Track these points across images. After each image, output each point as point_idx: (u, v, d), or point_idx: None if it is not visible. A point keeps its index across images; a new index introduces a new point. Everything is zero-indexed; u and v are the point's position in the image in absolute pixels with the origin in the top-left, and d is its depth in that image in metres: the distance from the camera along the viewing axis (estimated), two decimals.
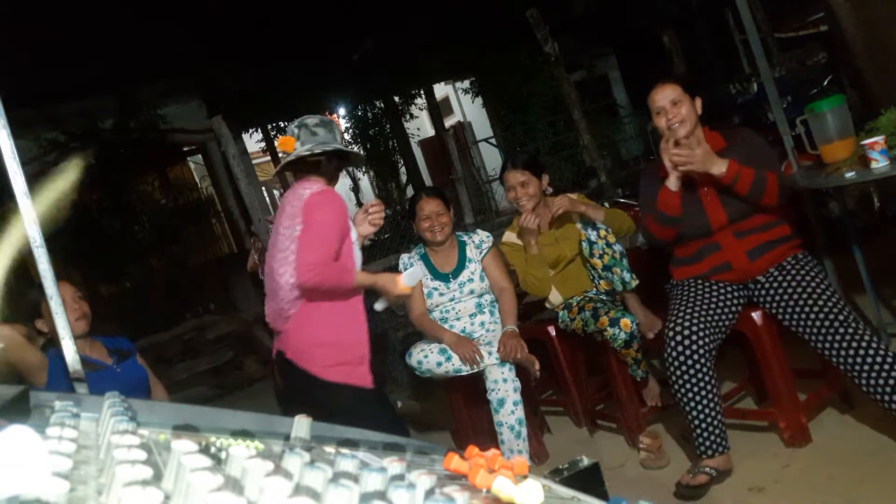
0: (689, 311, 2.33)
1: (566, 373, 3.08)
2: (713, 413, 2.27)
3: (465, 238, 3.07)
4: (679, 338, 2.27)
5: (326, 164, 2.31)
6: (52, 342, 2.36)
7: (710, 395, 2.26)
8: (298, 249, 2.13)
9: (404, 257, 3.05)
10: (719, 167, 2.26)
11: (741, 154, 2.35)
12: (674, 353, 2.28)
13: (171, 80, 8.20)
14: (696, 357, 2.25)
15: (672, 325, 2.32)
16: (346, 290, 2.20)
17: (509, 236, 3.03)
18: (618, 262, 2.70)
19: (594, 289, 2.89)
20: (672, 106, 2.41)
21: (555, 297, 2.98)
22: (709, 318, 2.31)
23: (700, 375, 2.25)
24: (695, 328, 2.27)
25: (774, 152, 2.53)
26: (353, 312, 2.24)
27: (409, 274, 2.35)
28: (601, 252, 2.70)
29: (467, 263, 3.00)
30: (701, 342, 2.26)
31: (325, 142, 2.30)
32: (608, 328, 2.65)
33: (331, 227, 2.17)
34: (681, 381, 2.27)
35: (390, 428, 2.26)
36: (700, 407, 2.26)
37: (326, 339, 2.20)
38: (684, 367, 2.26)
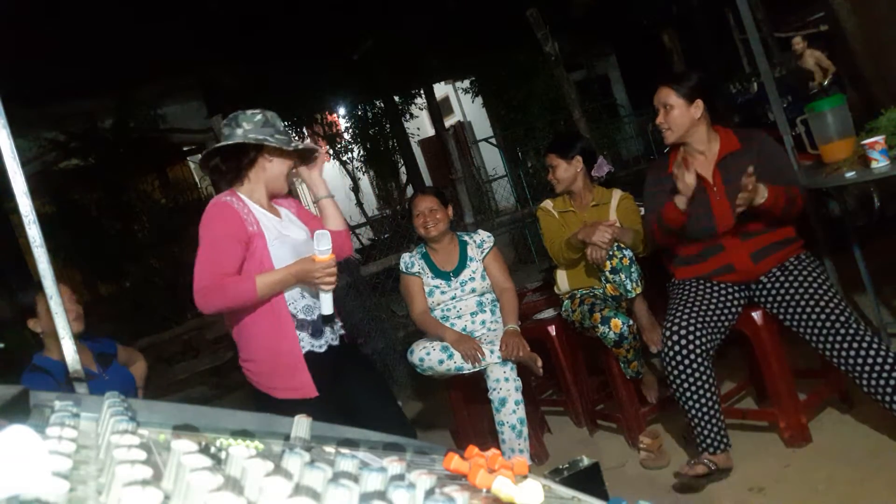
0: (687, 310, 2.33)
1: (566, 373, 3.08)
2: (712, 411, 2.27)
3: (467, 238, 3.09)
4: (676, 337, 2.27)
5: (224, 166, 2.06)
6: (42, 345, 2.36)
7: (709, 394, 2.26)
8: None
9: (405, 256, 3.06)
10: (761, 197, 2.21)
11: (757, 161, 2.34)
12: (671, 353, 2.27)
13: (171, 79, 8.20)
14: (692, 356, 2.25)
15: (670, 324, 2.31)
16: (253, 301, 1.94)
17: (547, 204, 3.11)
18: (624, 268, 2.69)
19: (601, 288, 2.89)
20: (662, 110, 2.41)
21: (563, 284, 3.03)
22: (708, 318, 2.31)
23: (698, 374, 2.25)
24: (692, 327, 2.27)
25: (792, 163, 2.50)
26: (276, 319, 1.99)
27: (318, 239, 1.93)
28: (611, 253, 2.69)
29: (468, 262, 3.02)
30: (698, 341, 2.25)
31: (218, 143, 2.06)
32: (599, 325, 2.68)
33: (215, 243, 1.93)
34: (679, 380, 2.27)
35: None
36: (699, 405, 2.26)
37: (255, 354, 2.03)
38: (682, 366, 2.26)
